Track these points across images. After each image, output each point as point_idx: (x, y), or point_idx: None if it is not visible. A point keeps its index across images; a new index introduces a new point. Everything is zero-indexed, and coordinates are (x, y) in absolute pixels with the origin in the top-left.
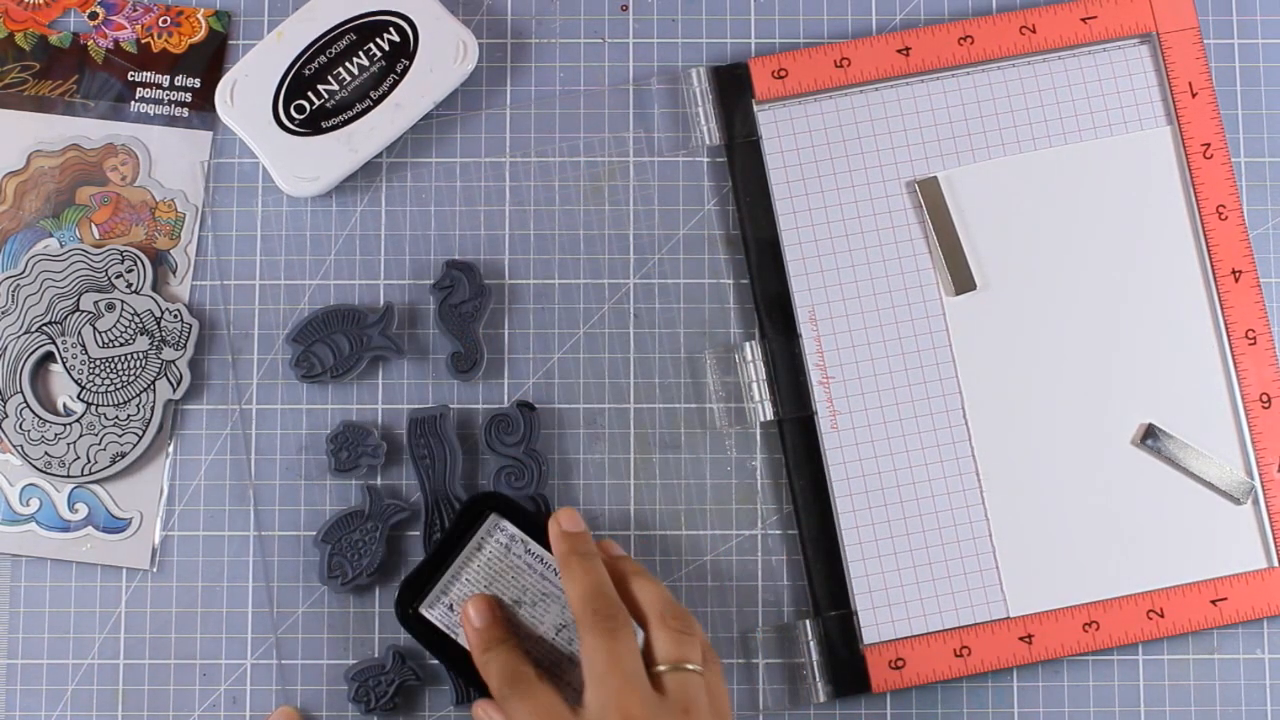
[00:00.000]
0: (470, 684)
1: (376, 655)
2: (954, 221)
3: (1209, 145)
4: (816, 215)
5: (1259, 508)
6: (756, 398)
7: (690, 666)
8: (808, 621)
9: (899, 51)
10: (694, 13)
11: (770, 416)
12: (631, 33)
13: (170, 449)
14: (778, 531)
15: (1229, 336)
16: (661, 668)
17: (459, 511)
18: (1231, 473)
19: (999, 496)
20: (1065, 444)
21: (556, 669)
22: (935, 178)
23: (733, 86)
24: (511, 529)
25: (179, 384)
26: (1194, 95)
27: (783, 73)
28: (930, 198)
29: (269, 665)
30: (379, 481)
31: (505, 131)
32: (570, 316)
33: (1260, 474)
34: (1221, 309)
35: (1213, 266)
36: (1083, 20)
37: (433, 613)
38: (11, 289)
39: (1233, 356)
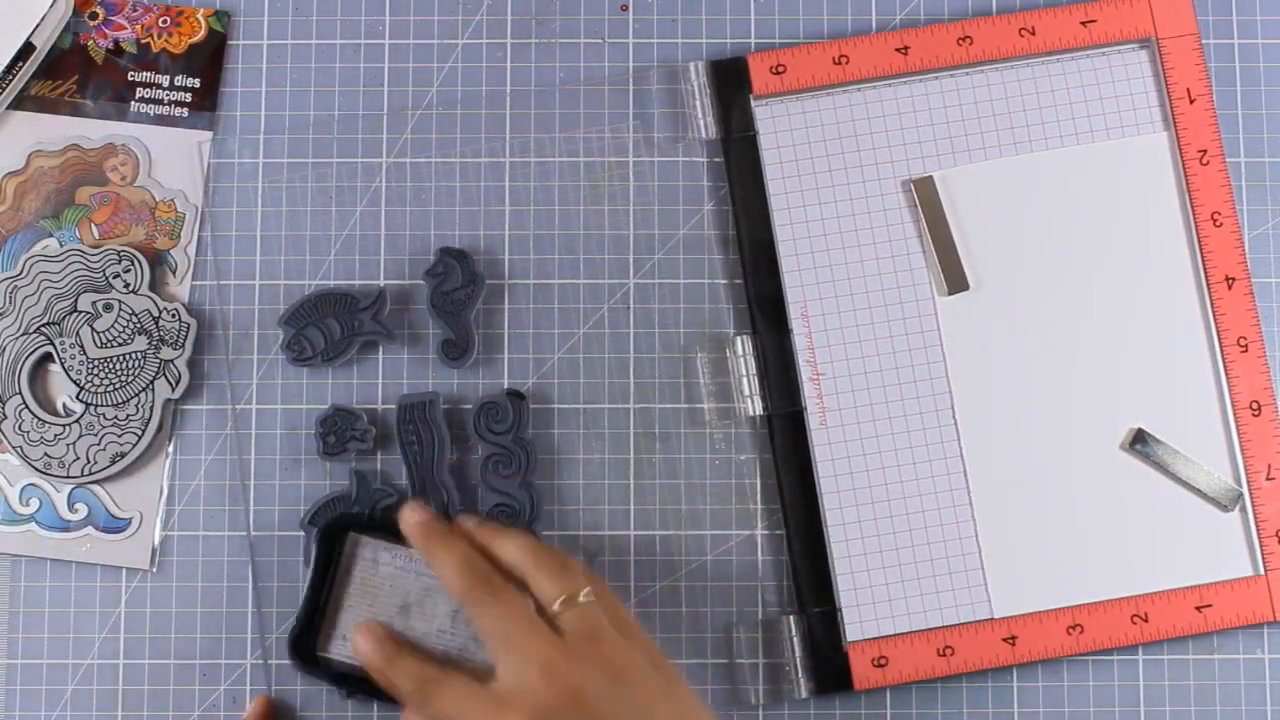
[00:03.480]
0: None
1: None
2: (948, 221)
3: (1205, 152)
4: (811, 211)
5: (1246, 515)
6: (747, 393)
7: (581, 599)
8: (791, 618)
9: (898, 50)
10: (694, 12)
11: (760, 412)
12: (631, 32)
13: (170, 449)
14: (765, 531)
15: (1221, 343)
16: (555, 609)
17: (317, 545)
18: (1220, 480)
19: (986, 497)
20: (1054, 446)
21: (464, 653)
22: (930, 177)
23: (731, 81)
24: (372, 541)
25: (178, 383)
26: (1192, 101)
27: (781, 68)
28: (925, 197)
29: (268, 666)
30: (377, 467)
31: (505, 131)
32: (569, 316)
33: (1248, 481)
34: (1214, 316)
35: (1206, 273)
36: (1082, 24)
37: (333, 651)
38: (9, 290)
39: (1224, 363)
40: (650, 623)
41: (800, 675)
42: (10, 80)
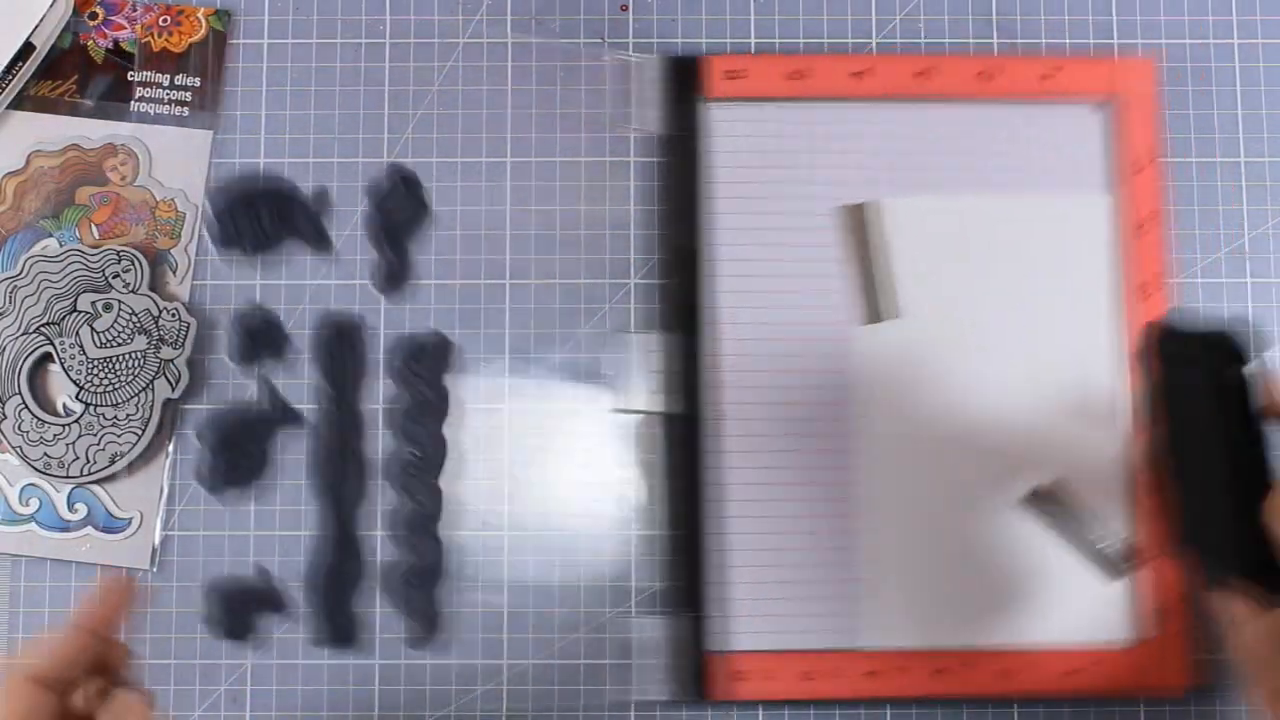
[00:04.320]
0: None
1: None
2: (881, 252)
3: (1144, 224)
4: (744, 219)
5: (1129, 586)
6: (648, 390)
7: None
8: (655, 619)
9: (854, 75)
10: (694, 12)
11: (657, 409)
12: (631, 33)
13: (170, 448)
14: (641, 531)
15: (1131, 415)
16: None
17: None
18: (1110, 548)
19: (873, 529)
20: (950, 490)
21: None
22: (862, 205)
23: (682, 80)
24: None
25: (177, 383)
26: (1139, 171)
27: (736, 74)
28: (854, 223)
29: (269, 665)
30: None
31: (506, 131)
32: (570, 316)
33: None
34: (1131, 385)
35: (1128, 344)
36: (1042, 77)
37: None
38: (9, 290)
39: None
40: (524, 622)
41: (655, 679)
42: (10, 80)
